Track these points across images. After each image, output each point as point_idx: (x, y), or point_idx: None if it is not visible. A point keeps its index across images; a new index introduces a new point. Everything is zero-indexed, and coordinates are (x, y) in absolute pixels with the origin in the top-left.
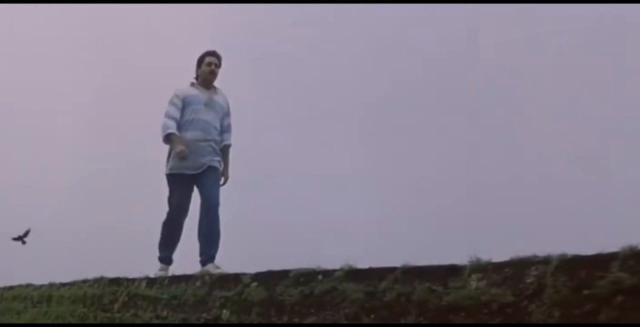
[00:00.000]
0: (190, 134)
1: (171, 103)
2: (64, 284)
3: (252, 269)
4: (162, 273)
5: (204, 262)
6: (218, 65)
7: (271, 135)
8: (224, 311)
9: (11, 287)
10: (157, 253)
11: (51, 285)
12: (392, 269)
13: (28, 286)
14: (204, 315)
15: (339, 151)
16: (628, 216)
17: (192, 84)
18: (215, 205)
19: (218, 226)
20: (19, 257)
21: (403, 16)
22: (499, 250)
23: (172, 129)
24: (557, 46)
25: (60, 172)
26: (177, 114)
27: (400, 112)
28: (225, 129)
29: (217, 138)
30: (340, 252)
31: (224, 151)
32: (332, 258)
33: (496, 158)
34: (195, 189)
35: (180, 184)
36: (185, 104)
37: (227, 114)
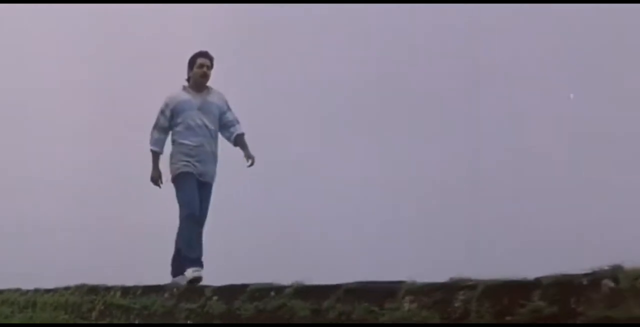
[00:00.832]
0: (187, 140)
1: (161, 112)
2: (47, 291)
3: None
4: (197, 274)
5: (188, 265)
6: (210, 67)
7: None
8: (189, 322)
9: (1, 291)
10: (182, 259)
11: (36, 290)
12: (336, 287)
13: (17, 290)
14: None
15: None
16: None
17: (184, 88)
18: (202, 224)
19: (200, 239)
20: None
21: (402, 16)
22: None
23: (154, 146)
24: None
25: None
26: (165, 124)
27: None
28: (231, 123)
29: (215, 141)
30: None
31: (239, 140)
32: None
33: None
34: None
35: (189, 181)
36: (176, 112)
37: (227, 109)
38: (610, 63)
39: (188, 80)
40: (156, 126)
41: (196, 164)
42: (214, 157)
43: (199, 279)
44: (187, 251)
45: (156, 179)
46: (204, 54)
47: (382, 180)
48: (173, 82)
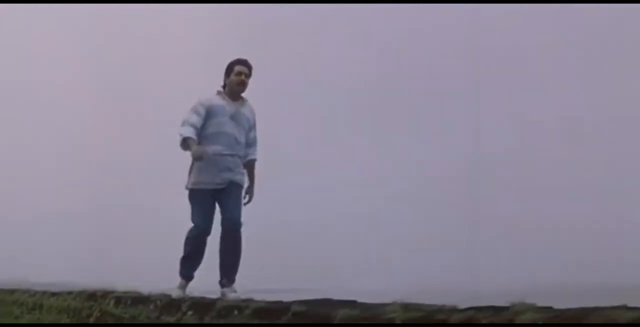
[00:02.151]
0: (213, 148)
1: (193, 110)
2: (53, 294)
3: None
4: (179, 292)
5: (222, 285)
6: (248, 76)
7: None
8: None
9: (12, 291)
10: (177, 267)
11: (44, 293)
12: (286, 310)
13: (26, 291)
14: None
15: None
16: None
17: (219, 93)
18: (237, 228)
19: (239, 249)
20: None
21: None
22: None
23: (189, 133)
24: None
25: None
26: (198, 122)
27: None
28: (250, 143)
29: (242, 153)
30: None
31: (250, 166)
32: None
33: None
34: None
35: (202, 201)
36: (209, 114)
37: (252, 126)
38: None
39: (224, 87)
40: (186, 123)
41: (218, 173)
42: (238, 166)
43: (179, 298)
44: (183, 266)
45: (199, 153)
46: (242, 62)
47: (381, 177)
48: (173, 82)
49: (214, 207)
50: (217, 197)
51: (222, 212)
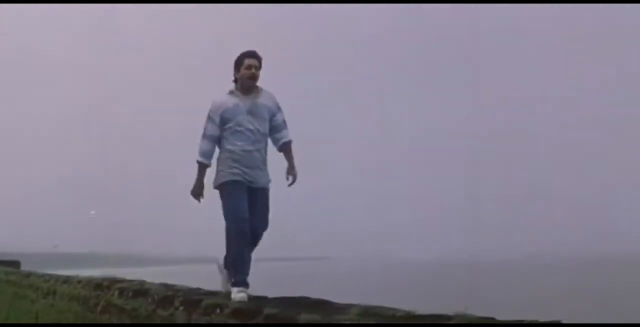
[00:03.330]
0: (236, 146)
1: (209, 119)
2: (64, 281)
3: None
4: (241, 296)
5: (233, 284)
6: (258, 68)
7: None
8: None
9: (28, 275)
10: (232, 275)
11: (56, 279)
12: (259, 312)
13: (41, 276)
14: None
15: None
16: None
17: (231, 92)
18: (261, 233)
19: (251, 252)
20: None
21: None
22: None
23: (202, 157)
24: None
25: None
26: (215, 132)
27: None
28: (280, 126)
29: (265, 146)
30: None
31: (286, 149)
32: None
33: None
34: None
35: (236, 191)
36: (225, 118)
37: (277, 111)
38: None
39: (235, 81)
40: (205, 135)
41: (246, 170)
42: (264, 163)
43: (243, 301)
44: (234, 271)
45: (198, 193)
46: (251, 54)
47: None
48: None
49: (246, 198)
50: (248, 194)
51: (249, 219)
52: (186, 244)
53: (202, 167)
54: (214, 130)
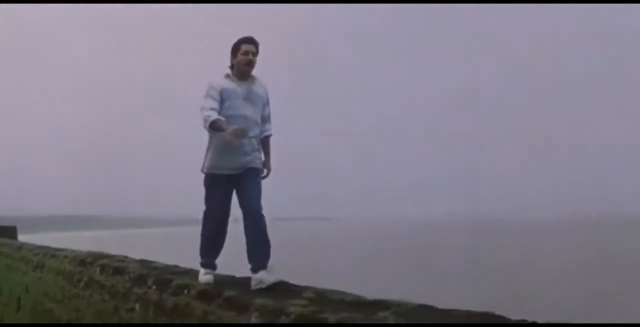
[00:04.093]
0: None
1: (207, 95)
2: (52, 256)
3: None
4: (207, 278)
5: (254, 270)
6: (255, 54)
7: None
8: (137, 305)
9: (19, 248)
10: (198, 258)
11: (45, 253)
12: (219, 295)
13: (32, 249)
14: (125, 305)
15: None
16: None
17: (227, 76)
18: (258, 212)
19: (265, 232)
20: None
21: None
22: None
23: (215, 116)
24: None
25: None
26: (216, 106)
27: None
28: (265, 119)
29: (259, 133)
30: None
31: (265, 142)
32: None
33: None
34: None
35: (218, 186)
36: (223, 98)
37: (266, 103)
38: None
39: (231, 68)
40: (205, 108)
41: (237, 158)
42: (256, 148)
43: (209, 283)
44: (202, 253)
45: (238, 134)
46: (248, 40)
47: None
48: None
49: (231, 193)
50: (235, 182)
51: (242, 200)
52: (188, 205)
53: (218, 124)
54: (215, 104)
